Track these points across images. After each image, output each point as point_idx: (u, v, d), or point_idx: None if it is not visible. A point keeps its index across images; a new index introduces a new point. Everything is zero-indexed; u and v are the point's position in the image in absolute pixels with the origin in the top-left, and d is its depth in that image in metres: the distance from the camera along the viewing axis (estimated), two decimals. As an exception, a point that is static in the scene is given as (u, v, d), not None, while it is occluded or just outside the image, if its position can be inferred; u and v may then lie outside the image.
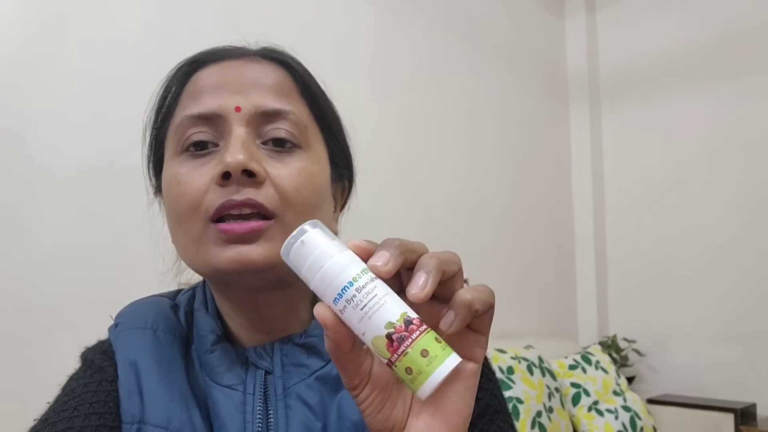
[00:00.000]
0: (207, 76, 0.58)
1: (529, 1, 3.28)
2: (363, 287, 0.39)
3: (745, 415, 2.60)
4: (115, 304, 0.66)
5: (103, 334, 0.64)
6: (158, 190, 0.62)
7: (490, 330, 0.44)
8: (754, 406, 2.69)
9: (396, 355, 0.39)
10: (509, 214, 2.97)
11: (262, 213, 0.53)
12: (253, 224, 0.52)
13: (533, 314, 3.04)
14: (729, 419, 2.57)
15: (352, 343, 0.41)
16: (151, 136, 0.63)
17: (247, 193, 0.53)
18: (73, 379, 0.60)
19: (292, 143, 0.57)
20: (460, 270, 0.42)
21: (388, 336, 0.39)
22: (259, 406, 0.56)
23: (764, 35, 2.89)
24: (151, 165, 0.63)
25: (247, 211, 0.53)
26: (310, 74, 0.62)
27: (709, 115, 3.04)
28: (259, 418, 0.55)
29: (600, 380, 2.52)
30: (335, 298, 0.40)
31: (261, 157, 0.55)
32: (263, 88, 0.57)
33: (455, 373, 0.41)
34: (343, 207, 0.67)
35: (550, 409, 2.27)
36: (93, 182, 1.63)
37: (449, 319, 0.40)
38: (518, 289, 2.96)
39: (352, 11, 2.38)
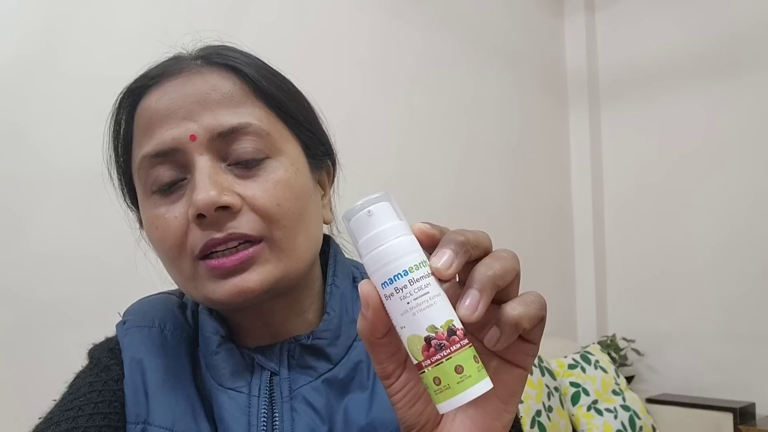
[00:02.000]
0: (152, 104, 0.55)
1: (528, 1, 3.28)
2: (417, 280, 0.37)
3: (744, 414, 2.60)
4: (117, 303, 0.66)
5: (106, 333, 0.64)
6: (142, 223, 0.61)
7: (541, 339, 0.41)
8: (753, 405, 2.69)
9: (429, 362, 0.37)
10: (508, 213, 2.98)
11: (248, 239, 0.52)
12: (242, 255, 0.51)
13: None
14: (728, 419, 2.57)
15: (386, 329, 0.39)
16: (118, 173, 0.61)
17: (228, 228, 0.51)
18: (80, 377, 0.60)
19: (259, 158, 0.53)
20: (516, 277, 0.40)
21: (427, 339, 0.37)
22: (264, 408, 0.55)
23: (762, 36, 2.89)
24: (128, 199, 0.62)
25: (232, 243, 0.52)
26: (260, 67, 0.57)
27: (707, 115, 3.05)
28: (264, 421, 0.54)
29: (599, 379, 2.53)
30: (384, 282, 0.38)
31: (231, 183, 0.52)
32: (213, 105, 0.53)
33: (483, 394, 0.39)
34: (332, 184, 0.64)
35: (550, 409, 2.28)
36: (94, 181, 1.62)
37: (494, 338, 0.38)
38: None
39: (352, 11, 2.38)
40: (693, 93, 3.09)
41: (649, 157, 3.23)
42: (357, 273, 0.64)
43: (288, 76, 0.61)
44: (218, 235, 0.51)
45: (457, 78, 2.80)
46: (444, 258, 0.37)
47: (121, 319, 0.64)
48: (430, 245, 0.39)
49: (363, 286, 0.38)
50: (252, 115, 0.54)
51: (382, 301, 0.38)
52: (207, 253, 0.52)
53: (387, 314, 0.38)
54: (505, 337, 0.38)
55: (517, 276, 0.40)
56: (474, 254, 0.39)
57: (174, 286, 0.69)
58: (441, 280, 0.38)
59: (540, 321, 0.40)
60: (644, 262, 3.22)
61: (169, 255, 0.54)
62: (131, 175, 0.59)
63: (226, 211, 0.51)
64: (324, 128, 0.62)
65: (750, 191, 2.92)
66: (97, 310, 1.27)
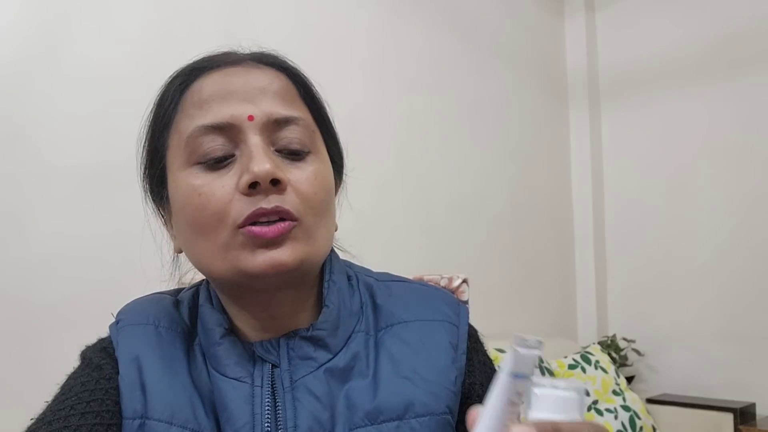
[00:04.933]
0: (210, 84, 0.58)
1: (528, 1, 3.28)
2: None
3: (744, 414, 2.60)
4: (116, 304, 0.66)
5: (104, 333, 0.64)
6: (157, 199, 0.62)
7: None
8: (753, 405, 2.69)
9: None
10: (509, 213, 2.98)
11: (286, 218, 0.55)
12: (282, 226, 0.54)
13: (532, 314, 3.04)
14: (728, 419, 2.57)
15: None
16: (150, 146, 0.62)
17: (274, 200, 0.54)
18: (71, 377, 0.60)
19: (304, 148, 0.58)
20: None
21: None
22: (268, 398, 0.56)
23: (762, 36, 2.89)
24: (148, 177, 0.63)
25: (274, 217, 0.54)
26: (306, 78, 0.63)
27: (707, 115, 3.05)
28: (268, 410, 0.56)
29: (599, 380, 2.53)
30: None
31: (281, 164, 0.56)
32: (270, 95, 0.58)
33: None
34: (337, 194, 0.68)
35: (550, 409, 2.28)
36: (94, 181, 1.63)
37: None
38: (517, 288, 2.97)
39: (352, 11, 2.38)
40: (693, 93, 3.09)
41: (650, 157, 3.23)
42: (351, 272, 0.67)
43: None
44: (266, 206, 0.54)
45: (458, 78, 2.80)
46: None
47: (114, 319, 0.64)
48: None
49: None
50: (302, 112, 0.60)
51: None
52: (251, 222, 0.54)
53: None
54: None
55: None
56: None
57: (171, 287, 0.69)
58: None
59: None
60: (644, 262, 3.22)
61: (207, 222, 0.55)
62: (164, 149, 0.60)
63: (276, 185, 0.54)
64: (341, 145, 0.67)
65: (750, 191, 2.92)
66: (97, 310, 1.27)
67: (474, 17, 2.92)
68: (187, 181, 0.56)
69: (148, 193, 0.63)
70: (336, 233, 0.65)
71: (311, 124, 0.60)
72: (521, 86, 3.16)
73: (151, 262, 0.63)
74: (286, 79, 0.60)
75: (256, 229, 0.53)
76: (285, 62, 0.63)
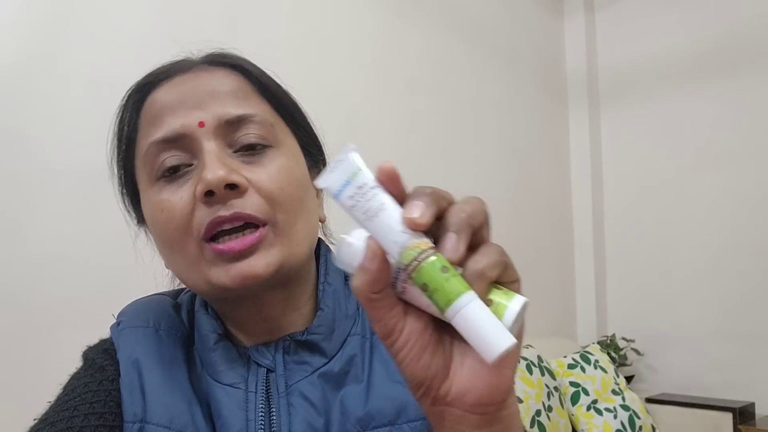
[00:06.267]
0: (161, 96, 0.57)
1: (528, 1, 3.28)
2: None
3: (743, 414, 2.60)
4: (116, 305, 0.66)
5: (104, 334, 0.64)
6: (140, 220, 0.62)
7: (517, 276, 0.40)
8: (752, 405, 2.69)
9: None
10: (509, 213, 2.98)
11: (253, 222, 0.53)
12: (249, 239, 0.53)
13: (532, 313, 2.99)
14: (728, 418, 2.57)
15: (387, 283, 0.38)
16: (119, 170, 0.62)
17: (234, 206, 0.53)
18: (74, 378, 0.60)
19: (263, 145, 0.56)
20: (486, 220, 0.40)
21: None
22: (261, 403, 0.55)
23: (763, 35, 2.89)
24: (126, 198, 0.63)
25: (239, 223, 0.53)
26: (262, 71, 0.62)
27: (708, 115, 3.05)
28: (261, 415, 0.55)
29: (599, 379, 2.53)
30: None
31: (238, 167, 0.54)
32: (221, 97, 0.56)
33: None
34: None
35: (549, 408, 2.28)
36: (93, 183, 1.63)
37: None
38: (517, 288, 2.96)
39: (354, 12, 2.38)
40: (693, 93, 3.09)
41: (649, 157, 3.23)
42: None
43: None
44: (225, 213, 0.52)
45: (458, 78, 2.80)
46: (416, 208, 0.38)
47: (115, 320, 0.64)
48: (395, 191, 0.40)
49: (369, 240, 0.38)
50: (257, 108, 0.58)
51: (384, 253, 0.38)
52: (213, 233, 0.53)
53: (389, 266, 0.38)
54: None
55: (487, 218, 0.40)
56: (443, 204, 0.39)
57: (169, 288, 0.70)
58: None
59: (506, 267, 0.39)
60: (644, 262, 3.22)
61: (174, 236, 0.55)
62: (133, 171, 0.60)
63: (233, 190, 0.53)
64: (315, 129, 0.65)
65: (750, 192, 2.92)
66: (96, 311, 1.27)
67: (474, 17, 2.93)
68: (152, 199, 0.56)
69: (132, 215, 0.63)
70: (328, 224, 0.65)
71: (269, 118, 0.58)
72: (521, 86, 3.16)
73: (151, 263, 0.64)
74: (238, 77, 0.59)
75: (220, 246, 0.52)
76: (237, 59, 0.61)
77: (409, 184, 0.43)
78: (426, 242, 0.38)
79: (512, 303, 0.38)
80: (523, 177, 3.11)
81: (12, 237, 1.50)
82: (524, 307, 0.39)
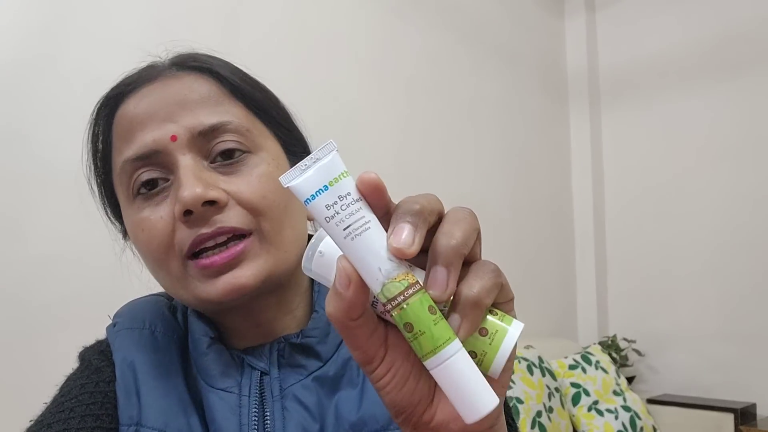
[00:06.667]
0: (130, 110, 0.55)
1: (528, 1, 3.28)
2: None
3: (744, 414, 2.60)
4: (114, 305, 0.66)
5: (101, 334, 0.64)
6: (126, 234, 0.61)
7: (510, 296, 0.38)
8: (753, 405, 2.68)
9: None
10: (509, 214, 2.97)
11: (237, 234, 0.52)
12: (232, 251, 0.51)
13: (533, 314, 3.04)
14: (729, 419, 2.57)
15: (364, 308, 0.35)
16: (98, 185, 0.61)
17: (215, 222, 0.51)
18: (71, 379, 0.60)
19: (241, 151, 0.54)
20: (478, 238, 0.37)
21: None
22: (255, 407, 0.54)
23: (763, 36, 2.89)
24: (109, 212, 0.62)
25: (222, 238, 0.52)
26: (234, 70, 0.58)
27: (708, 115, 3.04)
28: (255, 420, 0.54)
29: (600, 380, 2.52)
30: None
31: (215, 179, 0.52)
32: (191, 106, 0.54)
33: None
34: None
35: (550, 409, 2.27)
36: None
37: (455, 325, 0.34)
38: (518, 289, 2.92)
39: (352, 12, 2.38)
40: (694, 93, 3.09)
41: (650, 157, 3.23)
42: None
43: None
44: (207, 231, 0.51)
45: (457, 78, 2.80)
46: (404, 234, 0.33)
47: (111, 321, 0.63)
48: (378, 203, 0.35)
49: (341, 261, 0.34)
50: (231, 113, 0.55)
51: (361, 277, 0.34)
52: (195, 250, 0.52)
53: (367, 291, 0.34)
54: (467, 321, 0.34)
55: (479, 236, 0.37)
56: (431, 221, 0.35)
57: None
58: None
59: (501, 288, 0.37)
60: (645, 263, 3.22)
61: (156, 256, 0.54)
62: (112, 186, 0.59)
63: (212, 206, 0.51)
64: (300, 128, 0.63)
65: (751, 192, 2.91)
66: (95, 311, 1.26)
67: (474, 17, 2.92)
68: (131, 218, 0.55)
69: (117, 226, 0.63)
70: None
71: (244, 123, 0.55)
72: (521, 86, 3.16)
73: (135, 273, 0.63)
74: (208, 81, 0.56)
75: (203, 261, 0.51)
76: (206, 61, 0.58)
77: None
78: (411, 275, 0.34)
79: (512, 328, 0.36)
80: (524, 177, 3.10)
81: (11, 237, 1.50)
82: (521, 333, 0.36)
